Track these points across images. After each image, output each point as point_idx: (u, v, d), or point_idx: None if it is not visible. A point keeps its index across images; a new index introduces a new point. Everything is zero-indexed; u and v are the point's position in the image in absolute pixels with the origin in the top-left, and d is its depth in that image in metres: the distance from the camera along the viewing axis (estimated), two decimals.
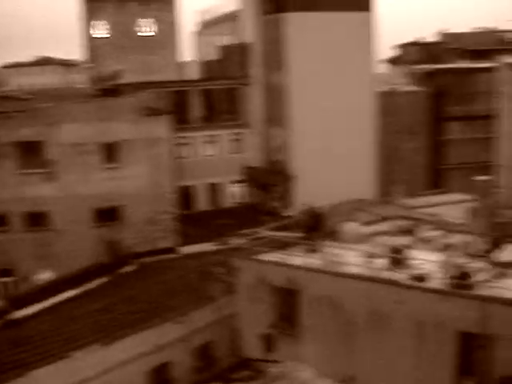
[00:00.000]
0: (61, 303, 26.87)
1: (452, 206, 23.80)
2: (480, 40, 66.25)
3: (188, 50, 56.62)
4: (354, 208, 23.54)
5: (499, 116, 46.27)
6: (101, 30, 46.92)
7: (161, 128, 33.11)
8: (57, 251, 31.42)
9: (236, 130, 43.51)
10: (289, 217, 30.24)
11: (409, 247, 18.36)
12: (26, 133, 30.64)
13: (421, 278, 16.02)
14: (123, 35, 46.89)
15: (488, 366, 14.53)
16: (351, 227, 20.58)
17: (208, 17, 54.35)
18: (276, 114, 42.73)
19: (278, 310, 19.09)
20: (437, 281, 15.80)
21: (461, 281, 15.29)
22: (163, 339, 20.91)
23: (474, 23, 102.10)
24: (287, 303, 18.69)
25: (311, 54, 39.75)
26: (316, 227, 19.96)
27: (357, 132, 40.70)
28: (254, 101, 43.76)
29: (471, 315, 14.44)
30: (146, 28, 47.66)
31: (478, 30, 70.33)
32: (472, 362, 14.93)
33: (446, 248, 18.03)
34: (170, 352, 21.18)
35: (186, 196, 40.48)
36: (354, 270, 17.17)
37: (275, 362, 19.06)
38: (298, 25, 39.78)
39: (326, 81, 39.89)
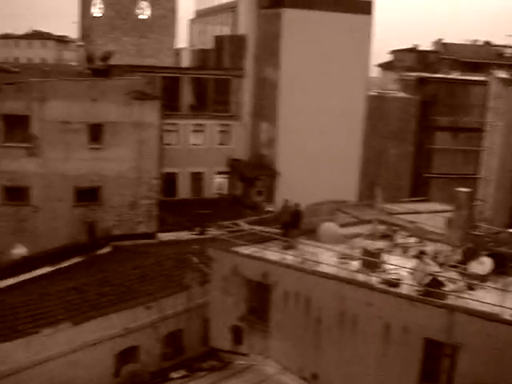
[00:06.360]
0: (34, 279, 26.77)
1: (432, 215, 23.95)
2: (475, 52, 66.59)
3: (183, 37, 56.49)
4: (334, 208, 23.60)
5: (487, 130, 46.79)
6: (97, 8, 46.47)
7: (150, 113, 32.94)
8: (34, 227, 31.28)
9: (225, 122, 43.47)
10: (269, 212, 30.33)
11: (384, 251, 18.51)
12: (13, 106, 30.38)
13: (393, 283, 16.18)
14: (120, 16, 46.50)
15: (450, 374, 14.74)
16: (329, 227, 20.68)
17: (205, 5, 54.20)
18: (265, 109, 42.74)
19: (249, 303, 19.15)
20: (408, 287, 15.96)
21: (431, 289, 15.46)
22: (133, 323, 20.94)
23: (471, 35, 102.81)
24: (259, 297, 18.77)
25: (305, 52, 39.74)
26: (294, 224, 20.06)
27: (344, 133, 40.86)
28: (245, 94, 43.75)
29: (438, 323, 14.62)
30: (145, 11, 47.22)
31: (474, 43, 70.58)
32: (435, 369, 15.12)
33: (420, 255, 18.19)
34: (139, 336, 21.21)
35: (169, 183, 40.43)
36: (328, 269, 17.28)
37: (242, 354, 19.16)
38: (295, 21, 39.75)
39: (319, 80, 39.95)
